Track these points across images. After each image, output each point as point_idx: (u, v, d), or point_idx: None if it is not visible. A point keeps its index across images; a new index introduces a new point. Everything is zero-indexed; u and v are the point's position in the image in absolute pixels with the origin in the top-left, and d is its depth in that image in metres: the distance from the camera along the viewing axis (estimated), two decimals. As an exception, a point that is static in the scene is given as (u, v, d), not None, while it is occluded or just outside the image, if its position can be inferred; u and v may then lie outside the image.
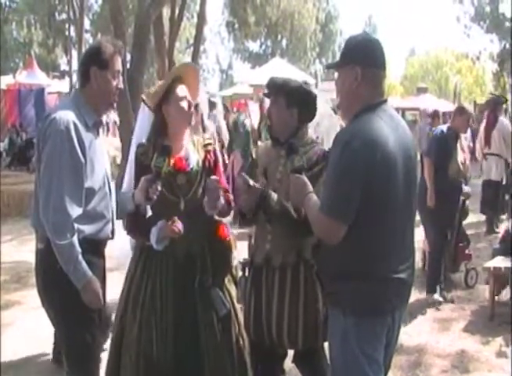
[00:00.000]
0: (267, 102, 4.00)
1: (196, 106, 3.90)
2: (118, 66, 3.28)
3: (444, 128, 6.67)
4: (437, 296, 6.50)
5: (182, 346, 3.41)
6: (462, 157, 6.45)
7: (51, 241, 3.05)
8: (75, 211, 3.07)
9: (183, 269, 3.47)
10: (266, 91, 3.63)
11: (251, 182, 3.30)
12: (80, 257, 3.06)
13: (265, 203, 3.30)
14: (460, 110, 6.63)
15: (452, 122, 6.70)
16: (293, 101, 3.45)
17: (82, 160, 3.10)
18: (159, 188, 3.33)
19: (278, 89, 3.49)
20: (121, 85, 3.31)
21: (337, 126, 6.79)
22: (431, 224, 6.61)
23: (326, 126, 6.25)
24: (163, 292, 3.45)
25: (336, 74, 3.04)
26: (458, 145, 6.51)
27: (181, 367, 3.40)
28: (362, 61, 2.82)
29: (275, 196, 3.32)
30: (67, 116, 3.09)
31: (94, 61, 3.21)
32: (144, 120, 4.19)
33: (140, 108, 4.45)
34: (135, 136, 4.41)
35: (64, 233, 3.02)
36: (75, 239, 3.05)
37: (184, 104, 3.49)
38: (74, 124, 3.08)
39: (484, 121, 10.16)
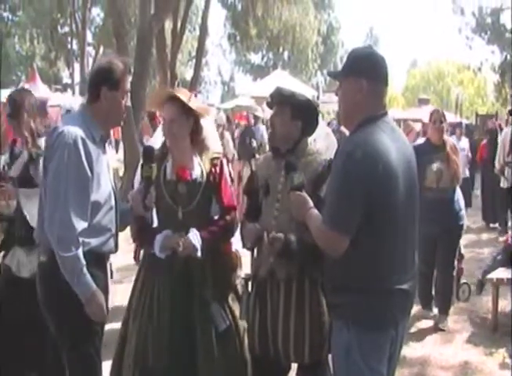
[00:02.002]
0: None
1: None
2: (128, 85, 3.28)
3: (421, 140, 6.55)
4: (435, 311, 6.41)
5: (178, 357, 3.40)
6: (441, 166, 6.12)
7: (55, 253, 3.05)
8: (80, 224, 3.07)
9: (180, 280, 3.47)
10: (269, 99, 3.63)
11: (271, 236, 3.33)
12: (84, 269, 3.06)
13: (288, 251, 3.31)
14: (430, 114, 6.33)
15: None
16: (298, 114, 3.46)
17: (89, 174, 3.10)
18: (154, 195, 3.37)
19: (285, 100, 3.50)
20: (129, 103, 3.31)
21: (334, 145, 6.67)
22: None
23: (322, 145, 6.11)
24: (160, 302, 3.45)
25: (336, 84, 3.06)
26: (439, 155, 6.04)
27: None
28: (368, 74, 2.84)
29: (294, 239, 3.31)
30: (75, 130, 3.09)
31: (104, 81, 3.20)
32: None
33: None
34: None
35: (69, 246, 3.02)
36: (80, 252, 3.05)
37: (164, 126, 3.58)
38: (82, 139, 3.08)
39: (507, 133, 10.34)
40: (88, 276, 3.08)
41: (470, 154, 12.75)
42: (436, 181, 5.99)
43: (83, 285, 3.07)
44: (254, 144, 11.08)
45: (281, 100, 3.52)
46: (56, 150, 3.08)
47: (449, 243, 6.22)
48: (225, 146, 10.57)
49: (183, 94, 3.57)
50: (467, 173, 12.08)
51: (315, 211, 2.94)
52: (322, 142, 6.28)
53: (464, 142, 12.48)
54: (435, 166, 5.95)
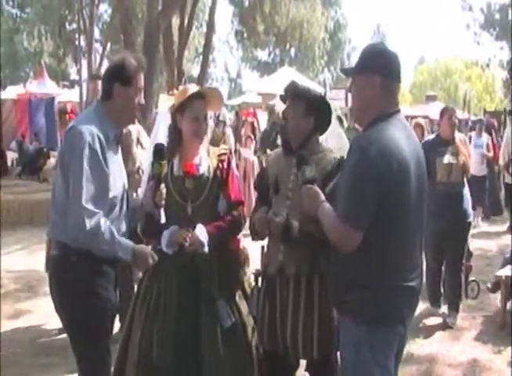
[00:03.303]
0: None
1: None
2: (141, 82, 3.26)
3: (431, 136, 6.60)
4: (443, 309, 6.40)
5: (183, 353, 3.41)
6: (451, 159, 6.13)
7: (88, 246, 3.03)
8: (91, 206, 3.02)
9: (188, 277, 3.48)
10: (283, 93, 3.61)
11: (276, 219, 3.35)
12: (115, 235, 3.05)
13: (288, 235, 3.33)
14: (442, 110, 6.45)
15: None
16: (311, 109, 3.45)
17: (107, 171, 3.10)
18: (164, 192, 3.34)
19: (299, 94, 3.49)
20: (143, 101, 3.30)
21: (346, 146, 6.62)
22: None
23: (334, 144, 6.08)
24: (167, 298, 3.46)
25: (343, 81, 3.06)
26: (449, 148, 6.11)
27: (181, 374, 3.40)
28: (382, 71, 2.84)
29: (296, 225, 3.32)
30: (91, 129, 3.07)
31: (117, 77, 3.19)
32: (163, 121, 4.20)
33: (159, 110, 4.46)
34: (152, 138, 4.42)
35: (82, 223, 2.97)
36: (98, 221, 3.01)
37: (195, 125, 3.52)
38: (98, 137, 3.06)
39: (509, 131, 10.42)
40: (122, 239, 3.10)
41: (491, 152, 11.83)
42: (447, 175, 6.03)
43: (122, 248, 3.09)
44: (278, 142, 11.03)
45: (295, 94, 3.51)
46: (74, 149, 3.04)
47: (457, 239, 6.22)
48: (227, 142, 10.57)
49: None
50: (485, 171, 11.60)
51: (327, 204, 2.92)
52: (335, 142, 6.26)
53: (484, 138, 11.85)
54: (446, 158, 6.03)
